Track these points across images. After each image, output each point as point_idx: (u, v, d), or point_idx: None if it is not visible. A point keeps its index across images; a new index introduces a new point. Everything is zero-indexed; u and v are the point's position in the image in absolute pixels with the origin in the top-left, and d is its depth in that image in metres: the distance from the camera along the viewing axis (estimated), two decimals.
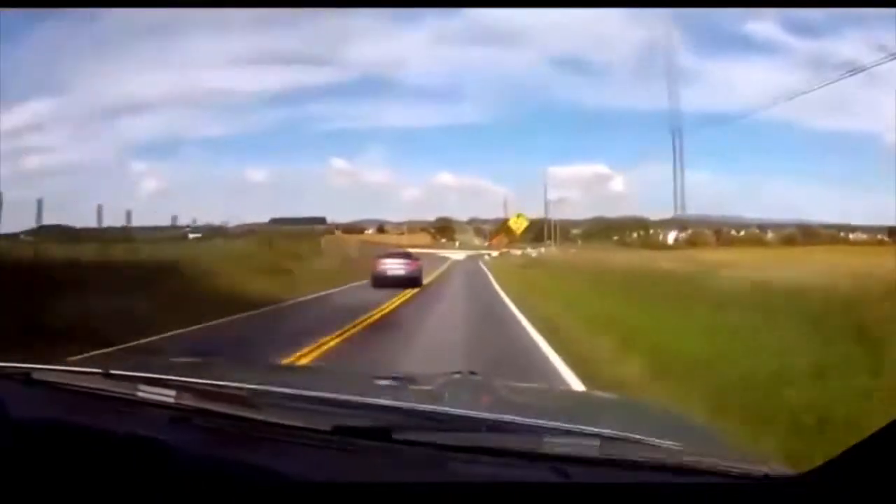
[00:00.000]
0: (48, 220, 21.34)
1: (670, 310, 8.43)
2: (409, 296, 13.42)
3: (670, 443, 1.03)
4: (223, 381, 1.17)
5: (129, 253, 15.19)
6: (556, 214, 33.27)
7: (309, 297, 13.10)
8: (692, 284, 10.79)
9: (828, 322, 5.75)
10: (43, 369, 1.25)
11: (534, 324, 8.95)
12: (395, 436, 0.99)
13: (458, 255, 38.27)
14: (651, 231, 41.08)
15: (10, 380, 1.21)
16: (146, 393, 1.13)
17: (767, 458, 1.05)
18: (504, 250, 41.88)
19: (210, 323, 8.63)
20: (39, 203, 20.63)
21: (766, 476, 0.90)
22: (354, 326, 8.55)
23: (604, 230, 40.76)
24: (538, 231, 34.08)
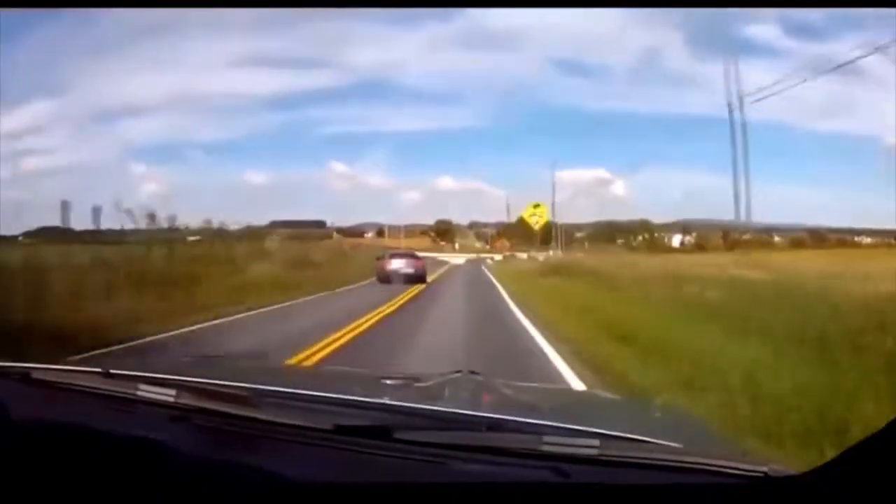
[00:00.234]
0: (49, 221, 21.37)
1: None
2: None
3: (670, 443, 1.03)
4: (223, 380, 1.17)
5: (126, 255, 14.85)
6: (559, 217, 32.84)
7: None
8: (828, 304, 6.67)
9: None
10: (42, 369, 1.25)
11: None
12: (396, 435, 0.99)
13: (457, 258, 37.73)
14: (655, 234, 41.08)
15: (10, 380, 1.21)
16: (146, 392, 1.13)
17: (767, 458, 1.05)
18: (507, 253, 41.49)
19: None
20: (38, 205, 20.64)
21: (766, 476, 0.90)
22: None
23: (607, 233, 40.72)
24: (541, 235, 34.01)
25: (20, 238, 19.69)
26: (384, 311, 10.08)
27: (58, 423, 1.06)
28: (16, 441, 1.00)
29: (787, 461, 1.02)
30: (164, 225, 16.10)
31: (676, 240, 40.32)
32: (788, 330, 5.85)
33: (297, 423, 1.03)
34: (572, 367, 5.44)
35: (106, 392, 1.18)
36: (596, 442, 0.96)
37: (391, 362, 5.67)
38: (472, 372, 1.62)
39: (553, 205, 30.98)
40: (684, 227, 40.53)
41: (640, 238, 41.21)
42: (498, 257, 40.42)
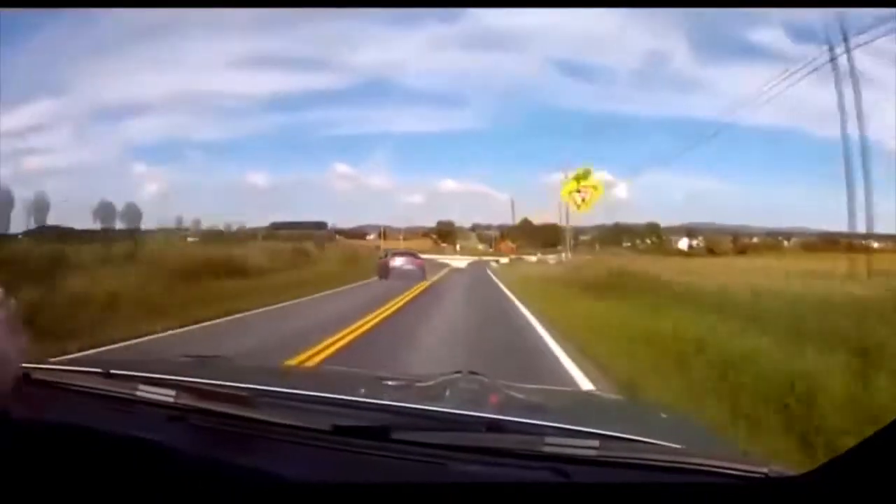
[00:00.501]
0: (49, 220, 21.41)
1: None
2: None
3: (670, 443, 1.03)
4: (223, 380, 1.17)
5: (126, 254, 14.87)
6: (564, 220, 32.28)
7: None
8: None
9: None
10: (43, 369, 1.25)
11: None
12: (395, 436, 0.99)
13: (458, 261, 36.39)
14: (663, 238, 40.82)
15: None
16: (146, 392, 1.13)
17: (767, 458, 1.05)
18: (513, 256, 40.70)
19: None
20: (39, 204, 20.71)
21: (766, 476, 0.90)
22: None
23: (612, 235, 40.49)
24: (546, 237, 33.81)
25: (20, 237, 19.70)
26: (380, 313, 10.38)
27: (58, 423, 1.06)
28: (16, 441, 1.00)
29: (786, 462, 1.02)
30: (170, 226, 16.25)
31: (683, 243, 40.10)
32: None
33: (296, 423, 1.03)
34: None
35: (106, 392, 1.17)
36: (596, 443, 0.96)
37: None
38: (472, 372, 1.62)
39: (563, 206, 30.32)
40: (689, 231, 40.40)
41: (648, 241, 40.99)
42: (504, 260, 39.55)
